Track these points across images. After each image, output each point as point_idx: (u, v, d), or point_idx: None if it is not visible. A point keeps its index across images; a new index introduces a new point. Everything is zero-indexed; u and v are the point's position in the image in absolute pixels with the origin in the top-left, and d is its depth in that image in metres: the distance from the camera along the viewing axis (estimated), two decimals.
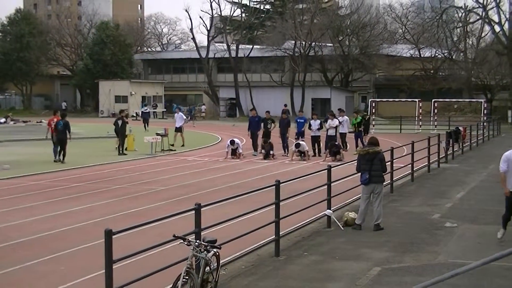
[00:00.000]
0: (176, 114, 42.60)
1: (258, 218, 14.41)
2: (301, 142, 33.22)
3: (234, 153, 33.68)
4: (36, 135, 49.40)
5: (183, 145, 39.92)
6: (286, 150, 35.01)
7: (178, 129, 40.73)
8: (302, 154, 32.82)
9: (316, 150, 34.76)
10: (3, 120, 70.68)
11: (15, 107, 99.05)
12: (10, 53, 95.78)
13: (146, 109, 66.34)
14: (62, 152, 31.84)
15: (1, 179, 25.65)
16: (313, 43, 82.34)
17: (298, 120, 36.75)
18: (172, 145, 39.10)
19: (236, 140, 33.97)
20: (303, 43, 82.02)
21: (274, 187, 13.55)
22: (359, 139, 36.91)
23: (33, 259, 13.17)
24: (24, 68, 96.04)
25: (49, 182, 24.59)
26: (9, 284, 11.67)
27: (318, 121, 35.10)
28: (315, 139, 34.96)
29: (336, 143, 33.37)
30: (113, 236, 8.68)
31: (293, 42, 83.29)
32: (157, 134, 37.60)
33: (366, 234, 15.58)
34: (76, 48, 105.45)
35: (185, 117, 42.57)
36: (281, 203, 13.66)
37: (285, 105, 58.36)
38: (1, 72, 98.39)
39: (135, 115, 75.66)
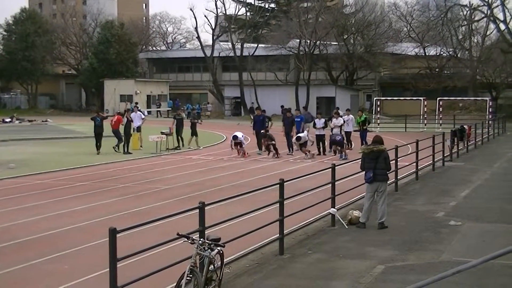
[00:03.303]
0: (133, 114, 39.51)
1: (262, 216, 14.43)
2: (301, 135, 33.28)
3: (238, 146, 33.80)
4: (41, 134, 49.53)
5: (141, 147, 38.16)
6: (290, 149, 35.00)
7: (138, 129, 39.19)
8: (304, 147, 32.84)
9: (321, 148, 34.78)
10: (8, 119, 70.82)
11: (21, 107, 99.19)
12: (15, 53, 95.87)
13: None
14: (98, 144, 35.75)
15: (7, 178, 25.72)
16: (318, 42, 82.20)
17: (296, 119, 36.47)
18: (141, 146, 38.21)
19: (239, 135, 33.87)
20: (308, 41, 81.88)
21: (278, 185, 13.58)
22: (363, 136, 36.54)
23: (38, 257, 13.21)
24: (29, 67, 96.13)
25: (54, 181, 24.64)
26: (14, 282, 11.71)
27: (323, 120, 35.14)
28: (320, 138, 34.99)
29: (338, 138, 33.01)
30: (117, 235, 8.70)
31: (298, 40, 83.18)
32: (162, 133, 37.62)
33: (370, 232, 15.59)
34: (81, 47, 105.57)
35: (143, 116, 40.45)
36: (285, 202, 13.69)
37: (282, 106, 58.47)
38: (6, 71, 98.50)
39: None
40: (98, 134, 36.09)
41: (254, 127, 36.46)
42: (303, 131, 35.14)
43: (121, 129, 36.78)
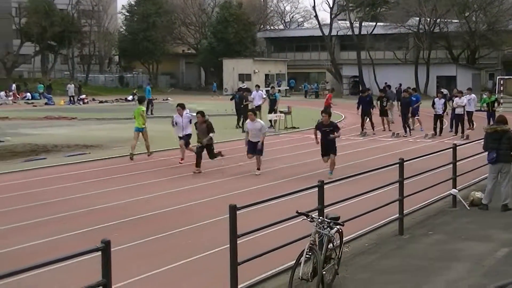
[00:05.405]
0: (254, 92, 40.00)
1: (381, 196, 14.27)
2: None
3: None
4: (162, 112, 50.54)
5: None
6: (407, 129, 34.30)
7: (258, 108, 38.65)
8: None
9: (438, 128, 34.07)
10: (130, 97, 72.68)
11: (142, 85, 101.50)
12: (137, 33, 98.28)
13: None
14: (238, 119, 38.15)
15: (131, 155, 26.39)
16: (438, 20, 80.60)
17: (412, 98, 36.10)
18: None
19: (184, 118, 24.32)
20: (428, 19, 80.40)
21: (398, 165, 13.41)
22: (491, 118, 35.45)
23: (160, 232, 13.50)
24: (150, 47, 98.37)
25: (176, 158, 25.06)
26: (138, 255, 12.00)
27: (443, 100, 34.43)
28: (438, 118, 34.27)
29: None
30: (237, 212, 8.80)
31: (417, 18, 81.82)
32: (281, 112, 37.76)
33: (493, 214, 15.19)
34: (200, 27, 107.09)
35: (264, 96, 40.17)
36: (405, 182, 13.51)
37: (400, 85, 57.76)
38: (128, 51, 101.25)
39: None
40: (237, 110, 38.96)
41: (358, 106, 35.85)
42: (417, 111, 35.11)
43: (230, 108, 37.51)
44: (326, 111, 21.55)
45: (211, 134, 22.05)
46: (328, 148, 20.89)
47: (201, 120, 22.25)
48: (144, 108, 26.75)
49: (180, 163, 23.55)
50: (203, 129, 22.10)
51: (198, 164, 21.80)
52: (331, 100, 40.85)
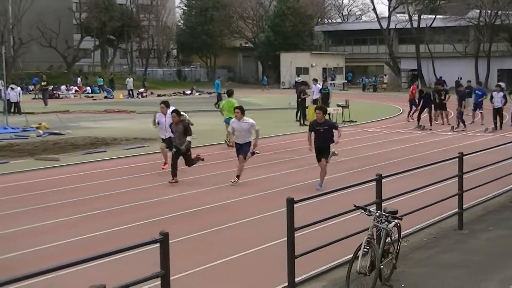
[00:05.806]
0: (313, 86, 39.91)
1: (439, 190, 14.10)
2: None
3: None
4: None
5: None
6: (460, 123, 33.65)
7: (315, 102, 39.22)
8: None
9: (498, 123, 33.50)
10: (189, 91, 73.17)
11: (200, 79, 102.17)
12: (195, 27, 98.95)
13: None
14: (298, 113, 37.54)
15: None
16: (500, 12, 79.24)
17: (476, 92, 35.89)
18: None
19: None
20: (489, 11, 79.10)
21: (457, 159, 13.23)
22: None
23: (216, 225, 13.53)
24: (208, 41, 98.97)
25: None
26: (195, 247, 12.06)
27: (501, 94, 33.89)
28: (497, 111, 33.70)
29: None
30: (295, 205, 8.78)
31: (478, 11, 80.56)
32: (338, 106, 37.58)
33: None
34: (257, 21, 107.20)
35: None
36: (464, 176, 13.32)
37: (460, 78, 57.21)
38: (187, 45, 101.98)
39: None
40: (298, 105, 37.72)
41: (418, 103, 35.72)
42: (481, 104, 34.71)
43: (292, 100, 37.27)
44: (321, 107, 18.44)
45: (188, 138, 19.04)
46: (322, 152, 17.73)
47: (176, 120, 19.18)
48: (236, 102, 26.66)
49: (163, 168, 20.80)
50: (179, 131, 19.10)
51: (174, 174, 18.49)
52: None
